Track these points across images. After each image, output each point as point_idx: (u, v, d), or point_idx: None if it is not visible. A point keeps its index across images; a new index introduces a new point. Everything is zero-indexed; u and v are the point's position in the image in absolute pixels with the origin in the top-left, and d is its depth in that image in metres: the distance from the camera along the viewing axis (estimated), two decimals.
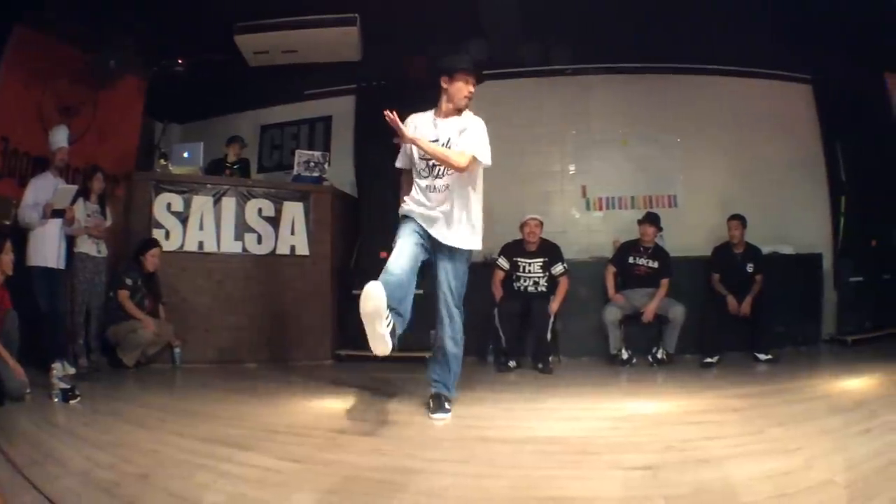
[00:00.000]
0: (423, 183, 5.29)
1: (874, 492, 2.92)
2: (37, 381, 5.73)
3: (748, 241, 8.74)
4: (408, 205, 5.32)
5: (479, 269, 8.71)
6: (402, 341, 4.77)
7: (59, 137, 7.64)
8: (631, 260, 8.59)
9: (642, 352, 8.36)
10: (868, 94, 9.51)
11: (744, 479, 3.18)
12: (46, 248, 7.37)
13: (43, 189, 7.37)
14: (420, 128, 5.31)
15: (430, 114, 5.40)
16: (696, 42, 9.54)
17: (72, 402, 5.48)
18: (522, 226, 8.40)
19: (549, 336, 8.04)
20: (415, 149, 5.26)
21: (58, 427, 4.72)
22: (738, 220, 8.68)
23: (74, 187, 7.65)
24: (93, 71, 8.79)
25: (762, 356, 8.00)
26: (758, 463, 3.46)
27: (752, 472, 3.29)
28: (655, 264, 8.50)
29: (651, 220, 8.61)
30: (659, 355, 8.14)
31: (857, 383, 6.11)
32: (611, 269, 8.66)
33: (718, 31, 8.94)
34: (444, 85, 5.27)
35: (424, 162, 5.28)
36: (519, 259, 8.38)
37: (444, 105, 5.32)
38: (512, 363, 8.02)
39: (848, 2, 7.75)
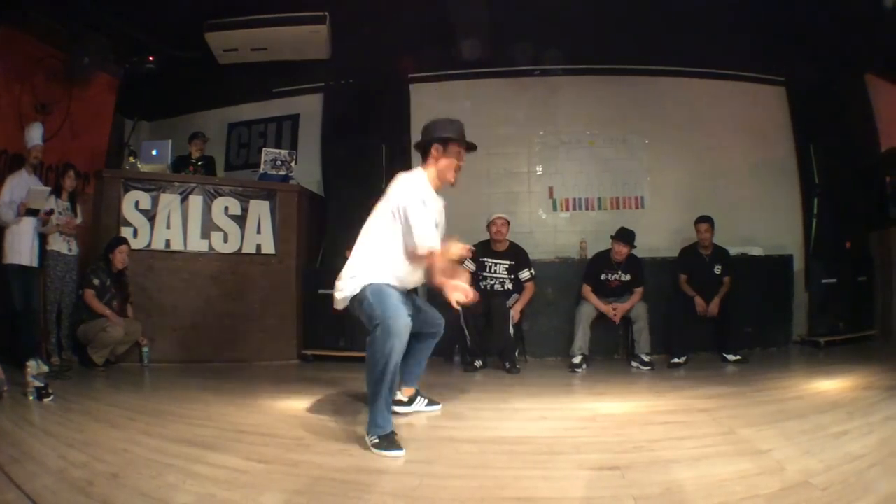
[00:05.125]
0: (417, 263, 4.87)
1: (855, 495, 2.95)
2: (12, 379, 5.77)
3: (716, 242, 8.78)
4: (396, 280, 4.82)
5: None
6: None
7: (34, 135, 7.73)
8: (603, 277, 8.51)
9: (603, 353, 8.59)
10: (846, 95, 9.63)
11: (715, 479, 3.24)
12: (21, 246, 7.45)
13: (18, 187, 7.45)
14: (430, 202, 4.85)
15: (428, 184, 4.93)
16: (666, 43, 9.60)
17: (45, 400, 5.50)
18: (489, 224, 8.46)
19: (511, 332, 8.11)
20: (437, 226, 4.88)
21: (33, 425, 4.74)
22: (707, 222, 8.70)
23: (48, 189, 7.70)
24: (68, 68, 8.78)
25: (730, 357, 8.11)
26: (729, 463, 3.51)
27: (724, 472, 3.35)
28: (628, 277, 8.47)
29: (625, 238, 8.40)
30: (646, 358, 8.04)
31: (831, 385, 6.08)
32: (587, 289, 8.51)
33: (690, 32, 9.01)
34: (435, 154, 4.91)
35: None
36: (486, 259, 8.45)
37: (434, 179, 4.95)
38: (478, 363, 8.08)
39: (824, 4, 7.87)
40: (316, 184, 10.51)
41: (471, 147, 5.00)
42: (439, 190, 5.03)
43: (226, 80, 10.16)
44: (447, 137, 4.89)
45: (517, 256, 8.49)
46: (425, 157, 4.99)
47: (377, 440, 4.20)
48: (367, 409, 4.94)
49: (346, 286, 4.77)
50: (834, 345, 8.96)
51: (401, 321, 4.38)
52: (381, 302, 4.51)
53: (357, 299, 4.69)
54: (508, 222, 8.53)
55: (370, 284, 4.65)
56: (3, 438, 4.23)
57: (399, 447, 4.13)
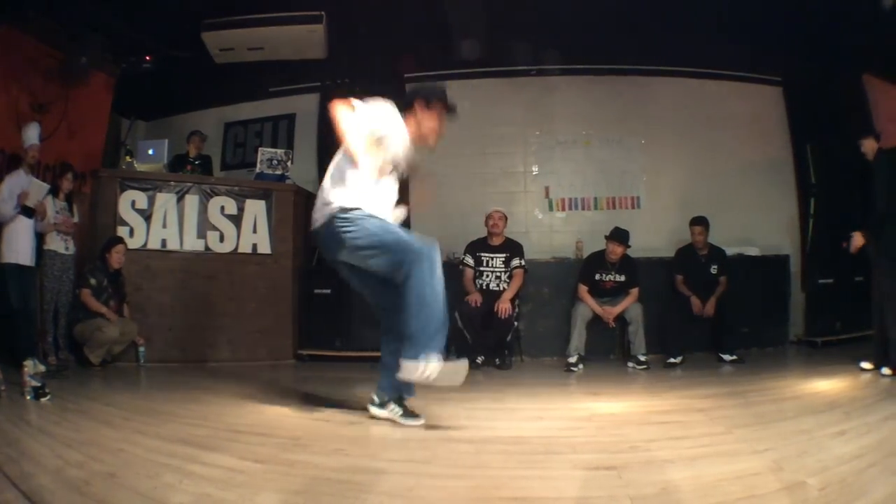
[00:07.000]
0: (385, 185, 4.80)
1: (852, 496, 2.91)
2: (9, 379, 5.76)
3: (712, 242, 8.79)
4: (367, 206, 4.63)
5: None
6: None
7: (31, 135, 7.71)
8: (598, 277, 8.49)
9: (600, 353, 8.62)
10: (843, 95, 9.58)
11: (712, 479, 3.19)
12: (20, 245, 7.46)
13: (16, 186, 7.46)
14: (398, 130, 4.75)
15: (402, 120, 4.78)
16: (663, 43, 9.60)
17: (42, 399, 5.47)
18: (487, 218, 8.50)
19: (508, 337, 8.20)
20: (400, 147, 4.74)
21: (31, 425, 4.72)
22: (701, 224, 8.70)
23: (47, 186, 7.76)
24: (65, 68, 8.78)
25: (727, 357, 8.12)
26: (726, 463, 3.48)
27: (720, 472, 3.30)
28: (622, 277, 8.44)
29: (619, 238, 8.38)
30: (642, 359, 8.03)
31: (828, 385, 6.04)
32: (584, 289, 8.47)
33: (686, 32, 9.02)
34: (418, 109, 4.80)
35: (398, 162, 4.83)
36: (482, 254, 8.47)
37: (413, 132, 4.82)
38: (480, 359, 8.11)
39: (822, 4, 7.87)
40: (312, 183, 10.44)
41: (451, 110, 4.87)
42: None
43: (222, 79, 10.15)
44: (430, 96, 4.81)
45: (512, 249, 8.50)
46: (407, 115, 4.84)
47: (401, 411, 4.70)
48: (361, 408, 4.95)
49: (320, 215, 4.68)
50: (831, 345, 8.94)
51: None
52: (388, 229, 4.56)
53: (346, 235, 4.53)
54: (506, 217, 8.56)
55: (354, 211, 4.55)
56: (1, 438, 4.22)
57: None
